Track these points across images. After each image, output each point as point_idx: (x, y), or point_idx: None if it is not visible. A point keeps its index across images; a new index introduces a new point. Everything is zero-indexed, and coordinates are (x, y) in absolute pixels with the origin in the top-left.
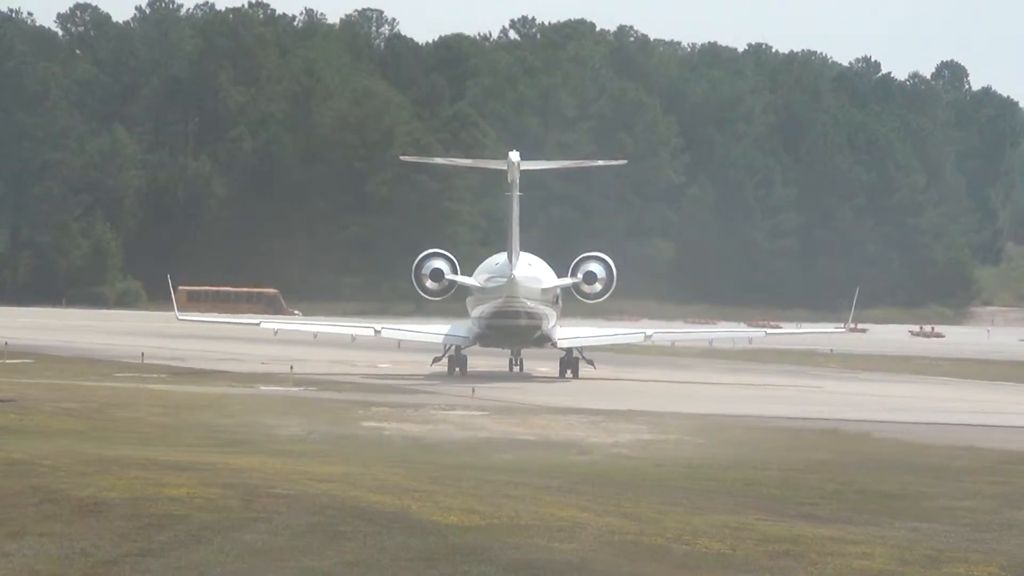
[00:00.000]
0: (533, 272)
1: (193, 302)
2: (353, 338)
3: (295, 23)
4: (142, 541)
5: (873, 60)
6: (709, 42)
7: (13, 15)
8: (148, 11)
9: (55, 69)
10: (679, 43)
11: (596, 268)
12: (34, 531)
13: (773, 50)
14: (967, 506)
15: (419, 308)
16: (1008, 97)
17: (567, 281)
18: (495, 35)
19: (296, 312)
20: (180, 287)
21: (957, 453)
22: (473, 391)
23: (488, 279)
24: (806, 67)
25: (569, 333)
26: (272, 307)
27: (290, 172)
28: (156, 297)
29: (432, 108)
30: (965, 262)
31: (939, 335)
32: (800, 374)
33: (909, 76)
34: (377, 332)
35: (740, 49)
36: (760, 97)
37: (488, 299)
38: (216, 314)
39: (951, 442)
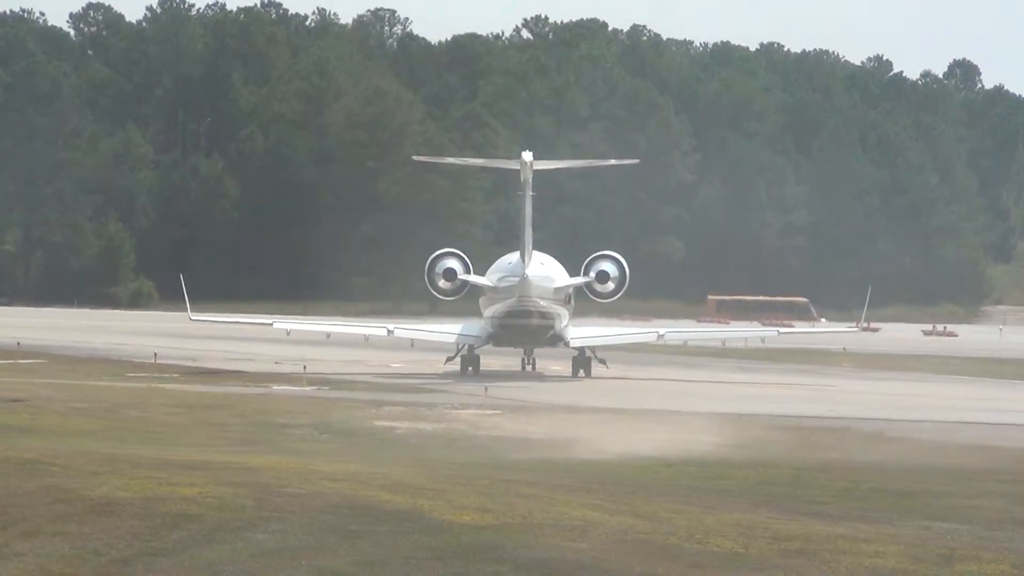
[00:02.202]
0: (546, 271)
1: (723, 312)
2: (366, 338)
3: (307, 23)
4: (155, 540)
5: (885, 59)
6: (721, 41)
7: (25, 15)
8: (160, 11)
9: (67, 69)
10: (691, 42)
11: (609, 267)
12: (47, 530)
13: (785, 49)
14: (979, 504)
15: (432, 308)
16: (1020, 96)
17: (579, 280)
18: (507, 34)
19: (822, 320)
20: (710, 296)
21: (969, 452)
22: (486, 390)
23: (501, 278)
24: (818, 66)
25: (582, 332)
26: (802, 316)
27: (302, 171)
28: (168, 297)
29: (444, 107)
30: (977, 260)
31: (951, 334)
32: (812, 373)
33: (921, 75)
34: (390, 332)
35: (752, 48)
36: (772, 96)
37: (501, 298)
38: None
39: (963, 441)
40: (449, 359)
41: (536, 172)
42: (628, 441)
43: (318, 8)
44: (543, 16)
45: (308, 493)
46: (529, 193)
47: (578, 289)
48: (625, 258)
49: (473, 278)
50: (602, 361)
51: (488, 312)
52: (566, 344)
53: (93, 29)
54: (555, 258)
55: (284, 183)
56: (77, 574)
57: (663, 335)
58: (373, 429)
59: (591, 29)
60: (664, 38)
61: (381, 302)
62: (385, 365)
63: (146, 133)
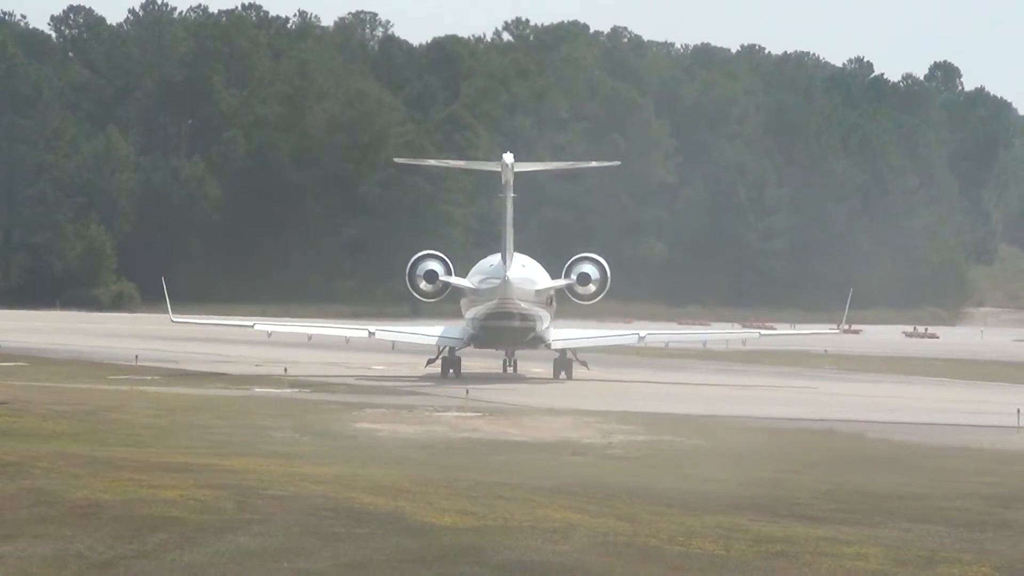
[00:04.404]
0: (527, 273)
1: None
2: (347, 340)
3: (288, 25)
4: (136, 543)
5: (866, 61)
6: (702, 43)
7: (6, 17)
8: (141, 13)
9: (48, 72)
10: (672, 44)
11: (590, 269)
12: (28, 533)
13: (766, 51)
14: (961, 506)
15: (413, 310)
16: (1001, 98)
17: (561, 282)
18: (488, 37)
19: None
20: None
21: (951, 453)
22: (467, 392)
23: (482, 280)
24: (799, 68)
25: (563, 334)
26: None
27: (283, 174)
28: (150, 299)
29: (425, 110)
30: (958, 263)
31: (933, 336)
32: (794, 375)
33: (902, 77)
34: (371, 334)
35: (733, 50)
36: (753, 98)
37: (482, 301)
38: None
39: (945, 442)
40: (430, 361)
41: (517, 174)
42: (609, 443)
43: (299, 11)
44: (524, 18)
45: (289, 495)
46: (510, 195)
47: (559, 291)
48: (607, 260)
49: (454, 280)
50: (583, 363)
51: (469, 314)
52: (547, 346)
53: (74, 31)
54: (536, 260)
55: (266, 185)
56: None
57: (644, 337)
58: (354, 431)
59: (572, 31)
60: (645, 40)
61: (363, 304)
62: (366, 367)
63: (127, 135)
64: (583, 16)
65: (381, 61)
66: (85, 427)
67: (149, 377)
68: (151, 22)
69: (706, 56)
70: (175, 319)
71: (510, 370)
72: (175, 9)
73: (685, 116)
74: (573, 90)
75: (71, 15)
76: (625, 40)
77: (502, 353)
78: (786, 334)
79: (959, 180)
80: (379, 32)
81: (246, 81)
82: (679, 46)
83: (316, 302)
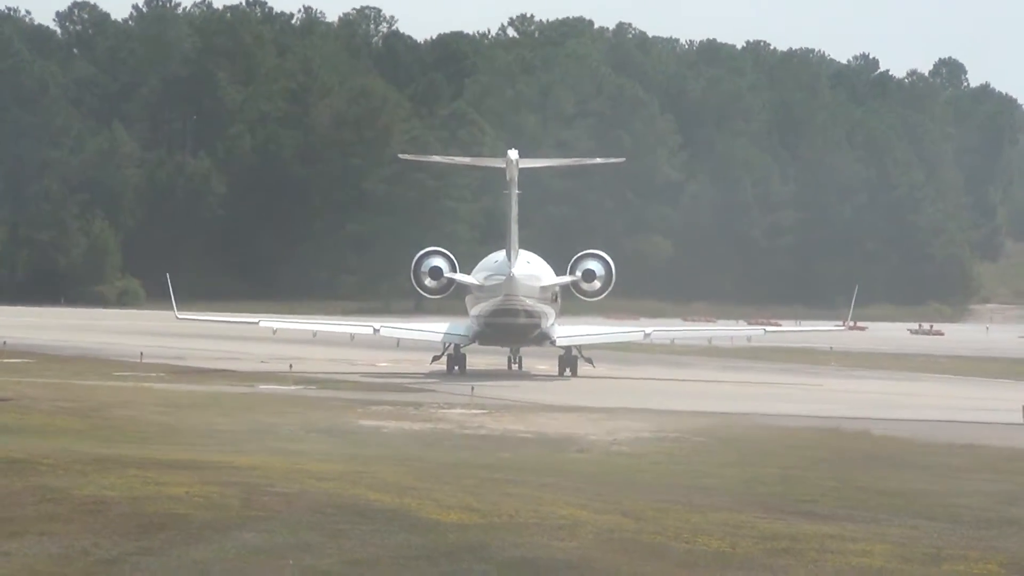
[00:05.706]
0: (532, 270)
1: None
2: (352, 337)
3: (293, 21)
4: (142, 540)
5: (871, 57)
6: (707, 39)
7: (11, 13)
8: (146, 10)
9: (53, 68)
10: (677, 40)
11: (595, 266)
12: (34, 530)
13: (771, 47)
14: (967, 503)
15: (418, 306)
16: (1006, 94)
17: (566, 279)
18: (494, 33)
19: None
20: None
21: (956, 451)
22: (472, 389)
23: (487, 277)
24: (804, 64)
25: (568, 331)
26: None
27: (288, 170)
28: (155, 296)
29: (430, 106)
30: (964, 259)
31: (938, 332)
32: (799, 372)
33: (907, 73)
34: (376, 331)
35: (739, 46)
36: (758, 94)
37: (487, 297)
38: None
39: (950, 440)
40: (435, 358)
41: (522, 170)
42: (614, 440)
43: (304, 7)
44: (529, 14)
45: (295, 492)
46: (515, 191)
47: (565, 288)
48: (611, 257)
49: (459, 277)
50: (588, 360)
51: (474, 311)
52: (552, 343)
53: (79, 28)
54: (541, 256)
55: (270, 181)
56: (65, 573)
57: (649, 334)
58: (360, 428)
59: (577, 27)
60: (650, 36)
61: (368, 300)
62: (372, 364)
63: (132, 131)
64: (588, 12)
65: (386, 57)
66: (91, 424)
67: (154, 374)
68: (155, 18)
69: (711, 52)
70: (180, 316)
71: (515, 367)
72: (179, 5)
73: (690, 112)
74: (578, 86)
75: (76, 11)
76: (630, 36)
77: (507, 350)
78: (792, 331)
79: (964, 176)
80: (384, 28)
81: (251, 77)
82: (684, 42)
83: (321, 298)
